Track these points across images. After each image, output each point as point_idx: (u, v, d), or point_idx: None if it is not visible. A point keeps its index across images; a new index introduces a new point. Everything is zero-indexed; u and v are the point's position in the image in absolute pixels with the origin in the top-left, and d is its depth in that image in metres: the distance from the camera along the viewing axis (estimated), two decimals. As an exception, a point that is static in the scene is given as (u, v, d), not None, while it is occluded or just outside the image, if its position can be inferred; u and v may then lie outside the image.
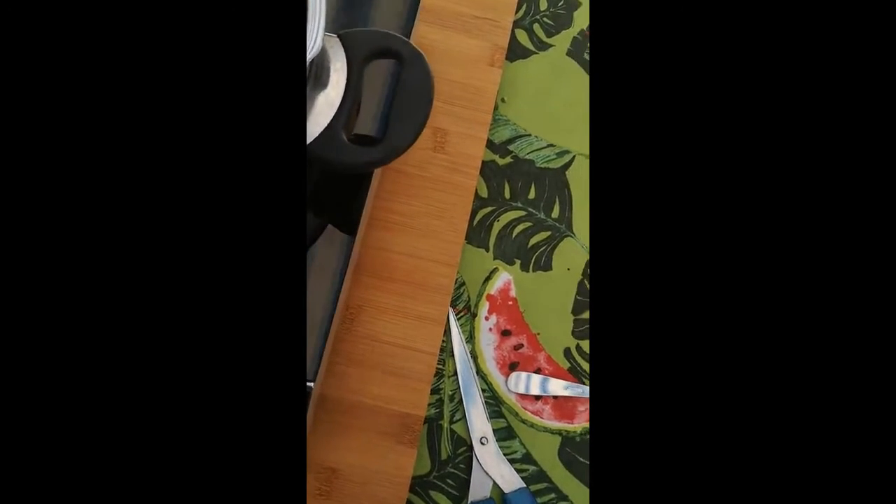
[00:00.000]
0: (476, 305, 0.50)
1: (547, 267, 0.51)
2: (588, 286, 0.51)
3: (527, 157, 0.53)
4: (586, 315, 0.50)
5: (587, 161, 0.53)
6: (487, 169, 0.53)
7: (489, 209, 0.52)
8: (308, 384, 0.38)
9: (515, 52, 0.55)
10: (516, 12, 0.56)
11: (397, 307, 0.48)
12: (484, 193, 0.52)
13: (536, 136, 0.54)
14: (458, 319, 0.49)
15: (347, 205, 0.42)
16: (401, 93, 0.33)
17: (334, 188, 0.42)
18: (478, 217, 0.52)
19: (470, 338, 0.49)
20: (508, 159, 0.53)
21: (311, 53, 0.29)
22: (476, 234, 0.51)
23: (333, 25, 0.41)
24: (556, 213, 0.52)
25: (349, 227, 0.42)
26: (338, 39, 0.33)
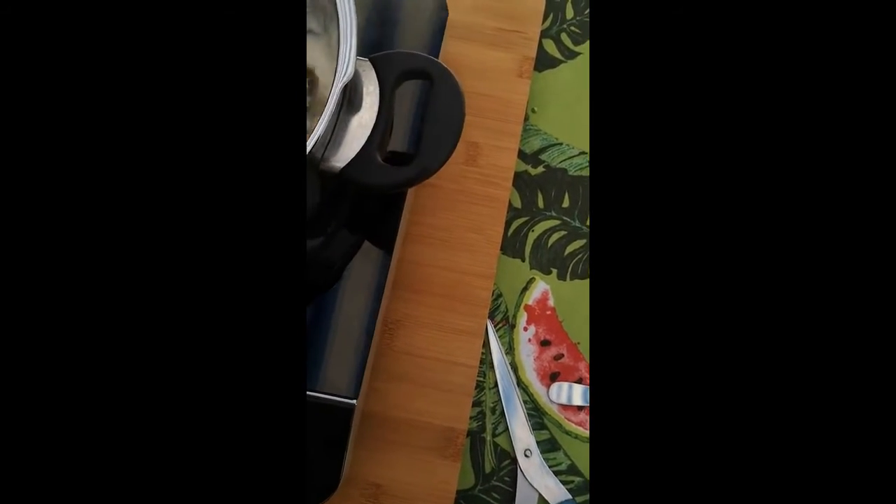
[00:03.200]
0: (514, 316, 0.50)
1: (584, 275, 0.51)
2: (626, 293, 0.50)
3: (559, 165, 0.53)
4: (626, 323, 0.50)
5: (620, 167, 0.53)
6: (520, 179, 0.53)
7: (523, 219, 0.52)
8: (351, 401, 0.39)
9: (543, 62, 0.55)
10: (543, 22, 0.56)
11: (436, 321, 0.48)
12: (518, 204, 0.52)
13: (568, 145, 0.54)
14: (497, 331, 0.49)
15: (384, 221, 0.42)
16: (432, 112, 0.33)
17: (370, 205, 0.42)
18: (512, 227, 0.52)
19: (509, 349, 0.49)
20: (541, 169, 0.53)
21: (344, 79, 0.30)
22: (511, 245, 0.51)
23: (364, 46, 0.42)
24: (591, 220, 0.52)
25: (386, 243, 0.42)
26: (369, 62, 0.34)
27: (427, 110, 0.33)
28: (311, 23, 0.35)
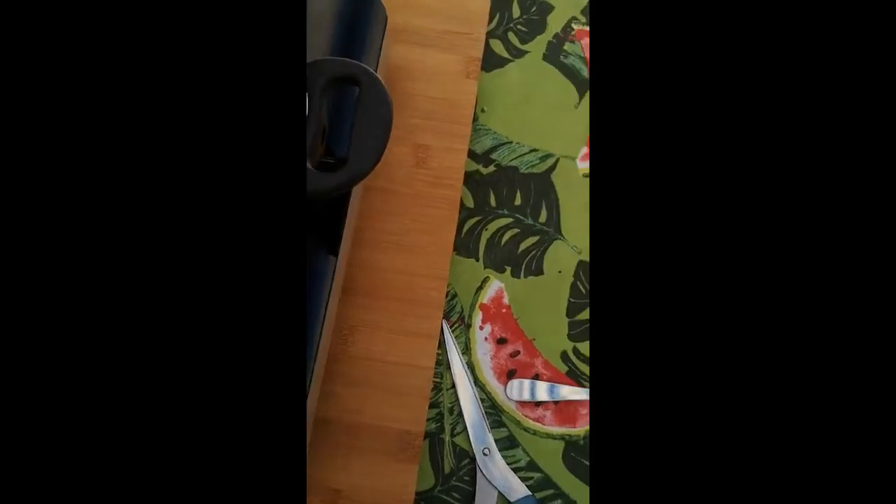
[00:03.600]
0: (470, 316, 0.50)
1: (538, 272, 0.51)
2: (581, 288, 0.51)
3: (510, 163, 0.54)
4: (581, 317, 0.50)
5: (571, 163, 0.53)
6: (472, 179, 0.53)
7: (476, 219, 0.52)
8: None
9: (491, 62, 0.56)
10: (489, 22, 0.56)
11: (391, 325, 0.48)
12: (470, 204, 0.52)
13: (518, 143, 0.54)
14: (453, 331, 0.50)
15: (327, 225, 0.42)
16: (360, 117, 0.33)
17: (314, 210, 0.42)
18: (466, 227, 0.52)
19: (466, 349, 0.49)
20: (492, 168, 0.53)
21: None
22: (465, 245, 0.51)
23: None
24: (543, 217, 0.52)
25: (330, 246, 0.42)
26: (294, 70, 0.34)
27: (355, 115, 0.33)
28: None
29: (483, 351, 0.49)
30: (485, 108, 0.55)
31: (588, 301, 0.51)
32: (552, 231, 0.52)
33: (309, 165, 0.33)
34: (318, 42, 0.42)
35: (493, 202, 0.53)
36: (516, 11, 0.57)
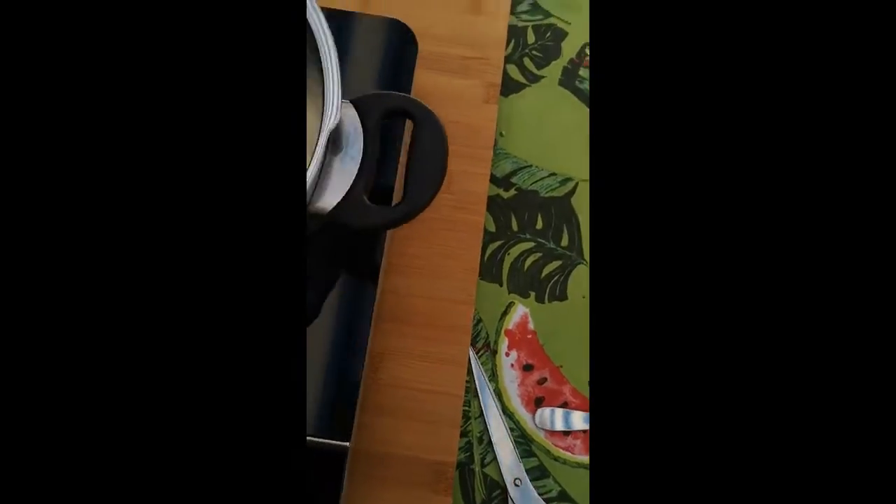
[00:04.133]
0: (495, 342, 0.50)
1: (562, 296, 0.51)
2: (604, 312, 0.51)
3: (530, 188, 0.54)
4: (605, 342, 0.50)
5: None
6: (493, 203, 0.53)
7: (498, 243, 0.52)
8: (344, 444, 0.38)
9: (509, 86, 0.56)
10: (506, 48, 0.56)
11: (419, 351, 0.48)
12: (492, 228, 0.52)
13: (538, 167, 0.54)
14: (479, 357, 0.49)
15: (367, 255, 0.42)
16: (416, 152, 0.33)
17: (352, 240, 0.42)
18: (488, 252, 0.52)
19: (493, 376, 0.49)
20: (513, 192, 0.54)
21: (331, 123, 0.30)
22: (488, 270, 0.51)
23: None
24: (565, 241, 0.53)
25: (371, 276, 0.42)
26: (351, 105, 0.33)
27: (411, 151, 0.33)
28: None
29: (510, 378, 0.49)
30: (503, 132, 0.55)
31: (613, 326, 0.51)
32: (575, 255, 0.52)
33: (366, 201, 0.33)
34: (360, 73, 0.41)
35: (514, 226, 0.53)
36: (531, 37, 0.58)
